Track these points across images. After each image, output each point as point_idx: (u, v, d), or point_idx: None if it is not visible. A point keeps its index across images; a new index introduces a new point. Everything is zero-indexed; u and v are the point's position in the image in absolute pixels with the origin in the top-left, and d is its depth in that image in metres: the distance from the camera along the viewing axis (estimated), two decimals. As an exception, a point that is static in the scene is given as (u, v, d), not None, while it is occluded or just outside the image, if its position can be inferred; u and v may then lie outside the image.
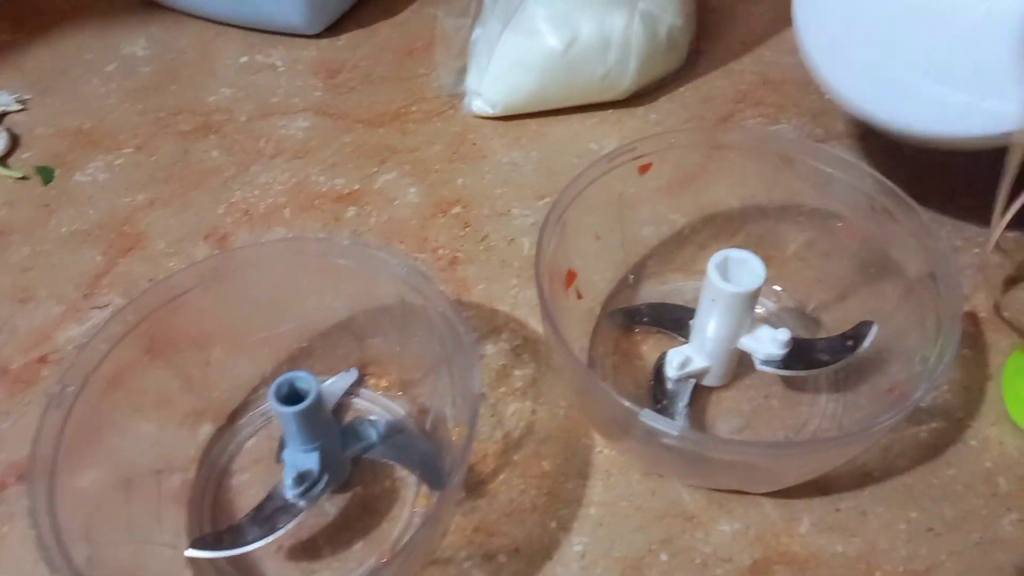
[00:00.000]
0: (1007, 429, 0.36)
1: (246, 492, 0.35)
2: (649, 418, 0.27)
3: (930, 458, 0.35)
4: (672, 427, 0.27)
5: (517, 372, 0.39)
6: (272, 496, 0.31)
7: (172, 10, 0.63)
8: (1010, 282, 0.41)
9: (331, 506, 0.34)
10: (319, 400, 0.30)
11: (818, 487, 0.34)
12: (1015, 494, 0.34)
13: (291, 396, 0.30)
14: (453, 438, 0.34)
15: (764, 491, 0.33)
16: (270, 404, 0.29)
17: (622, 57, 0.49)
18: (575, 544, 0.33)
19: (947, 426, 0.36)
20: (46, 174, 0.50)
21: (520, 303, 0.42)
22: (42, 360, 0.40)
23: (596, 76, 0.49)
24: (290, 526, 0.30)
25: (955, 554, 0.32)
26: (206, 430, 0.37)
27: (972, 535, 0.33)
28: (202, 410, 0.37)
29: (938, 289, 0.31)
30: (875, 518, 0.33)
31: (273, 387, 0.30)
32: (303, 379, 0.30)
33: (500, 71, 0.49)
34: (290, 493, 0.30)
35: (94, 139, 0.52)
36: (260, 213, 0.47)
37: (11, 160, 0.51)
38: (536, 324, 0.41)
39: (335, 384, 0.38)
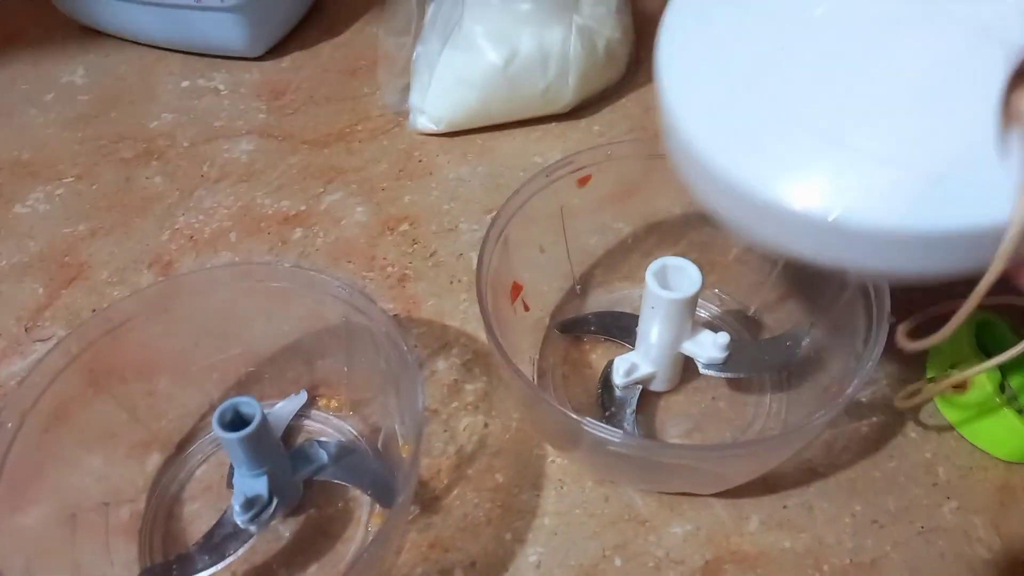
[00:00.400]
0: (944, 420, 0.37)
1: (197, 520, 0.34)
2: (592, 427, 0.27)
3: (872, 451, 0.36)
4: (615, 434, 0.27)
5: (468, 387, 0.39)
6: (221, 523, 0.31)
7: (111, 36, 0.62)
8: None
9: (284, 529, 0.34)
10: (264, 424, 0.30)
11: (766, 485, 0.35)
12: (954, 483, 0.35)
13: (236, 422, 0.30)
14: (404, 455, 0.34)
15: (713, 492, 0.34)
16: (215, 431, 0.29)
17: (561, 71, 0.49)
18: (530, 555, 0.33)
19: (887, 419, 0.37)
20: (-16, 207, 0.49)
21: (470, 318, 0.42)
22: (-17, 397, 0.39)
23: (537, 90, 0.49)
24: (240, 552, 0.30)
25: (899, 544, 0.33)
26: (154, 460, 0.37)
27: (915, 525, 0.34)
28: (149, 440, 0.37)
29: (870, 287, 0.32)
30: (821, 513, 0.34)
31: (216, 414, 0.29)
32: (247, 404, 0.30)
33: (442, 88, 0.50)
34: (240, 519, 0.30)
35: (33, 170, 0.52)
36: (205, 238, 0.46)
37: (-54, 194, 0.50)
38: (486, 338, 0.41)
39: (284, 407, 0.37)
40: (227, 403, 0.30)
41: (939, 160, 0.21)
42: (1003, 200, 0.21)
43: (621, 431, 0.27)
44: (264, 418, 0.30)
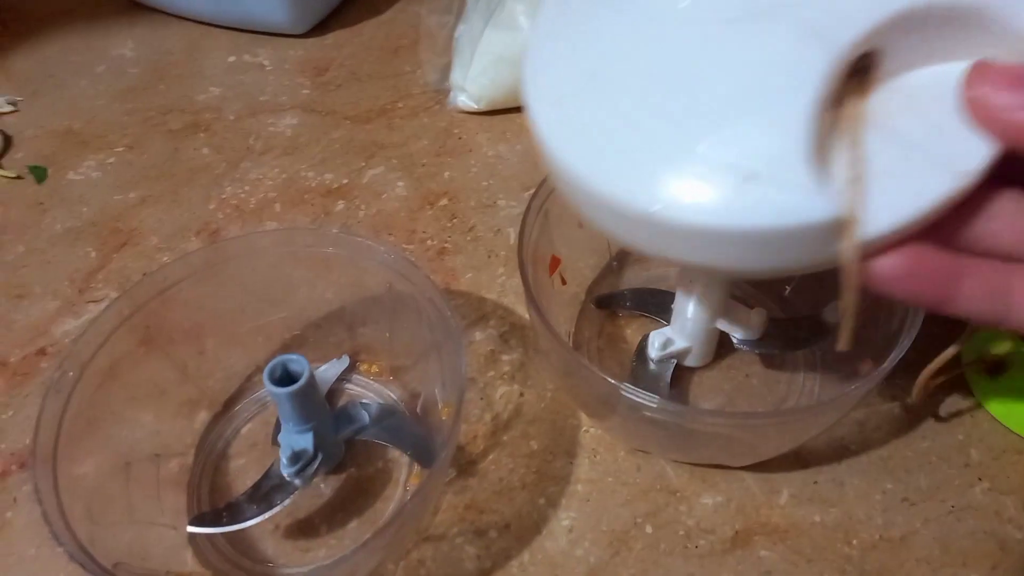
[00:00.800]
0: (977, 403, 0.37)
1: (243, 475, 0.36)
2: (629, 391, 0.28)
3: (905, 432, 0.36)
4: (651, 399, 0.28)
5: (505, 357, 0.40)
6: (269, 475, 0.32)
7: (159, 11, 0.63)
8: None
9: (326, 487, 0.35)
10: (311, 381, 0.31)
11: (798, 460, 0.35)
12: (986, 464, 0.35)
13: (284, 378, 0.31)
14: (443, 419, 0.35)
15: (745, 463, 0.35)
16: (265, 387, 0.30)
17: (603, 51, 0.50)
18: (563, 519, 0.34)
19: (921, 401, 0.37)
20: (39, 174, 0.51)
21: (507, 291, 0.43)
22: (40, 353, 0.41)
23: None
24: (286, 503, 0.31)
25: (929, 521, 0.33)
26: (202, 417, 0.38)
27: (946, 504, 0.34)
28: (198, 399, 0.38)
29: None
30: (852, 489, 0.34)
31: (267, 369, 0.31)
32: (296, 361, 0.31)
33: (483, 67, 0.50)
34: (286, 471, 0.31)
35: (85, 139, 0.53)
36: (251, 208, 0.48)
37: (4, 160, 0.52)
38: (523, 311, 0.42)
39: (328, 371, 0.38)
40: (277, 360, 0.31)
41: (756, 159, 0.22)
42: (816, 199, 0.21)
43: (657, 396, 0.28)
44: (312, 375, 0.31)
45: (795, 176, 0.21)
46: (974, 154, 0.22)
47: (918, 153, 0.22)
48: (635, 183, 0.23)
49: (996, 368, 0.36)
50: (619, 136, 0.23)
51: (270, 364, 0.31)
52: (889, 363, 0.29)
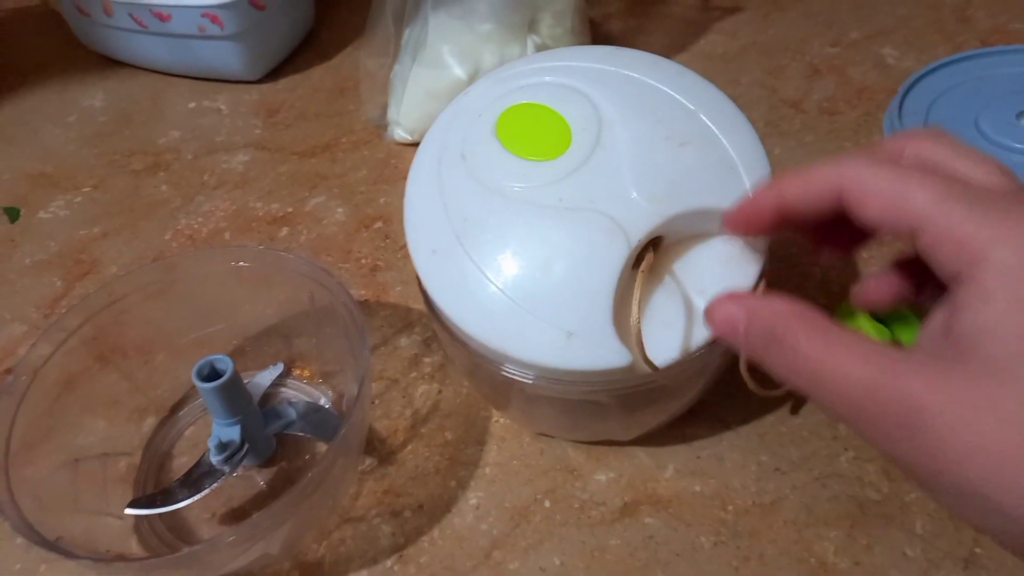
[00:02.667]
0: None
1: (185, 472, 0.39)
2: (508, 371, 0.32)
3: (780, 409, 0.40)
4: (527, 375, 0.32)
5: (427, 359, 0.44)
6: (200, 463, 0.36)
7: (128, 65, 0.69)
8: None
9: (260, 478, 0.39)
10: (235, 378, 0.35)
11: (683, 438, 0.39)
12: (852, 436, 0.39)
13: (211, 375, 0.35)
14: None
15: (633, 436, 0.38)
16: (194, 382, 0.34)
17: (522, 84, 0.55)
18: (471, 499, 0.38)
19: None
20: (12, 214, 0.56)
21: (432, 301, 0.47)
22: (7, 372, 0.45)
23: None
24: (214, 487, 0.35)
25: (797, 488, 0.37)
26: (150, 422, 0.42)
27: (813, 472, 0.38)
28: (146, 406, 0.42)
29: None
30: (730, 462, 0.38)
31: (196, 367, 0.35)
32: (220, 360, 0.35)
33: (414, 101, 0.55)
34: (214, 459, 0.35)
35: (55, 180, 0.58)
36: (203, 237, 0.52)
37: (-21, 203, 0.57)
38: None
39: (264, 376, 0.42)
40: (205, 359, 0.35)
41: (575, 322, 0.30)
42: (613, 349, 0.30)
43: (533, 374, 0.32)
44: (235, 373, 0.35)
45: (601, 334, 0.30)
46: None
47: (684, 305, 0.32)
48: (489, 331, 0.31)
49: None
50: (478, 293, 0.31)
51: (198, 363, 0.35)
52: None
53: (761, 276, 0.33)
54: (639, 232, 0.31)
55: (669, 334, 0.31)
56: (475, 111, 0.36)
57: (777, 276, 0.46)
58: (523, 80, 0.36)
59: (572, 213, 0.31)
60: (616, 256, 0.31)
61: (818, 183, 0.26)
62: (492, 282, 0.31)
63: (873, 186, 0.24)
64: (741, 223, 0.29)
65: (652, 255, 0.32)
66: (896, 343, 0.39)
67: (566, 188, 0.32)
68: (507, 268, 0.31)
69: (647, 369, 0.31)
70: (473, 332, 0.31)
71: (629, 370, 0.31)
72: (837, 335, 0.23)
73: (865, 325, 0.39)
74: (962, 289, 0.22)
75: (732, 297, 0.27)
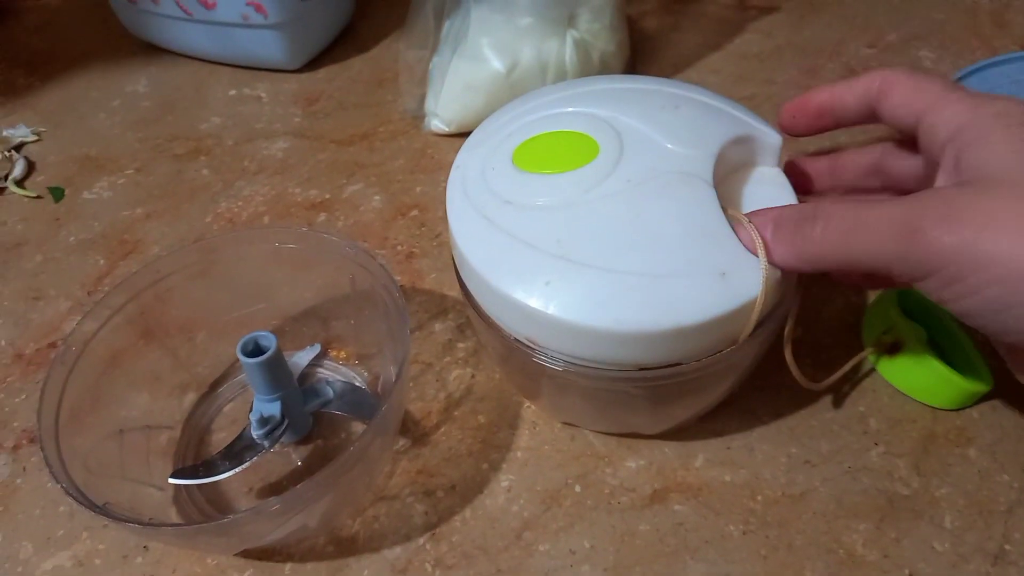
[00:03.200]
0: (878, 378, 0.41)
1: (223, 446, 0.40)
2: (538, 356, 0.33)
3: (811, 403, 0.40)
4: (556, 361, 0.32)
5: (460, 345, 0.45)
6: (241, 437, 0.37)
7: (171, 52, 0.70)
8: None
9: (296, 456, 0.40)
10: (278, 354, 0.36)
11: (713, 431, 0.39)
12: (883, 431, 0.39)
13: (255, 352, 0.36)
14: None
15: (659, 430, 0.39)
16: (239, 357, 0.35)
17: (559, 79, 0.55)
18: (503, 481, 0.39)
19: (827, 375, 0.41)
20: (57, 194, 0.57)
21: (466, 289, 0.47)
22: (52, 346, 0.47)
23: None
24: (255, 459, 0.36)
25: (827, 480, 0.37)
26: (191, 397, 0.43)
27: (843, 465, 0.38)
28: (188, 382, 0.43)
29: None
30: (760, 453, 0.39)
31: (240, 343, 0.36)
32: (265, 337, 0.36)
33: (452, 93, 0.56)
34: (255, 433, 0.36)
35: (99, 163, 0.60)
36: (243, 220, 0.53)
37: (27, 183, 0.58)
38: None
39: (302, 356, 0.43)
40: (249, 336, 0.36)
41: (723, 262, 0.31)
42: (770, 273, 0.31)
43: (563, 360, 0.33)
44: (278, 349, 0.36)
45: (748, 262, 0.31)
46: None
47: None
48: (652, 318, 0.30)
49: (893, 348, 0.40)
50: (618, 295, 0.31)
51: (243, 339, 0.36)
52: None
53: (787, 314, 0.34)
54: (707, 171, 0.33)
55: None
56: (481, 170, 0.36)
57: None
58: (507, 129, 0.38)
59: (646, 184, 0.33)
60: (708, 196, 0.32)
61: (861, 81, 0.33)
62: (629, 272, 0.30)
63: (902, 79, 0.32)
64: (792, 113, 0.36)
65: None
66: (932, 343, 0.39)
67: (625, 171, 0.33)
68: (632, 254, 0.31)
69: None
70: (632, 327, 0.30)
71: (781, 286, 0.32)
72: (861, 201, 0.32)
73: (900, 324, 0.39)
74: (963, 135, 0.28)
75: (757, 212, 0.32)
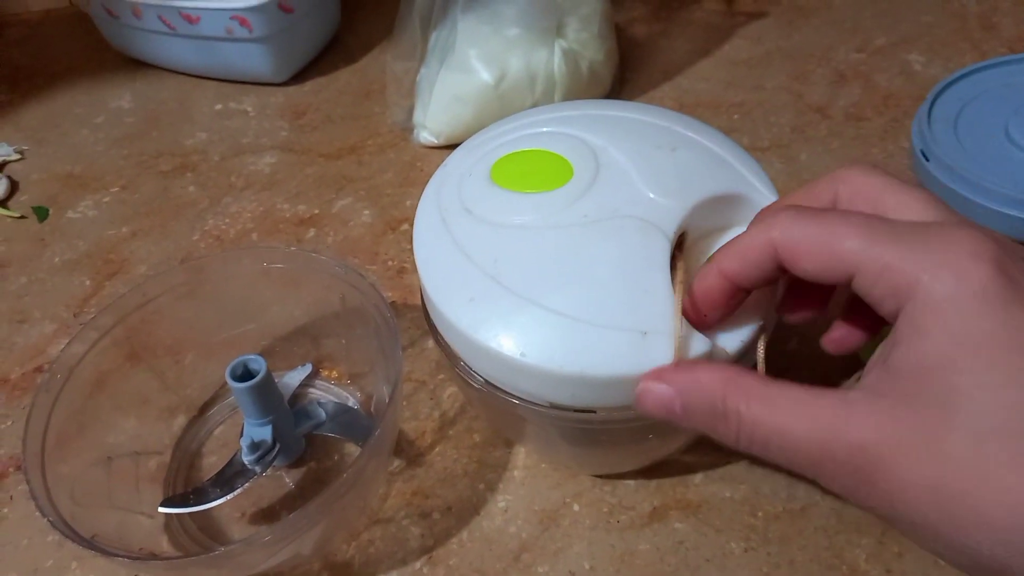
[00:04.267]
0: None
1: (214, 471, 0.39)
2: (504, 395, 0.32)
3: (809, 416, 0.40)
4: (541, 404, 0.32)
5: (454, 362, 0.44)
6: (232, 463, 0.36)
7: (156, 67, 0.69)
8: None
9: (289, 479, 0.39)
10: (268, 377, 0.35)
11: (713, 446, 0.39)
12: (883, 443, 0.39)
13: (245, 376, 0.35)
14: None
15: (644, 464, 0.38)
16: (228, 382, 0.35)
17: (548, 89, 0.55)
18: (500, 501, 0.38)
19: (818, 382, 0.41)
20: (41, 213, 0.56)
21: (459, 304, 0.47)
22: (38, 370, 0.46)
23: (526, 107, 0.55)
24: (246, 486, 0.35)
25: (828, 495, 0.37)
26: (180, 421, 0.42)
27: (843, 478, 0.37)
28: (176, 405, 0.42)
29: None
30: (760, 469, 0.38)
31: (229, 368, 0.35)
32: (254, 361, 0.35)
33: (440, 105, 0.55)
34: (246, 459, 0.35)
35: (84, 181, 0.59)
36: (230, 238, 0.53)
37: (10, 203, 0.57)
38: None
39: (293, 376, 0.43)
40: (238, 359, 0.35)
41: (647, 320, 0.29)
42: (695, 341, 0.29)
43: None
44: (268, 373, 0.35)
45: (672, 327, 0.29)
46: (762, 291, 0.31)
47: None
48: (559, 358, 0.29)
49: None
50: (535, 323, 0.30)
51: (232, 363, 0.35)
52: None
53: (761, 330, 0.32)
54: (671, 225, 0.31)
55: (725, 324, 0.31)
56: (462, 173, 0.36)
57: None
58: (501, 139, 0.37)
59: (601, 224, 0.32)
60: (659, 250, 0.31)
61: (753, 253, 0.26)
62: (548, 308, 0.30)
63: (803, 241, 0.24)
64: (700, 311, 0.29)
65: (681, 258, 0.32)
66: None
67: (586, 205, 0.32)
68: (559, 291, 0.30)
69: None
70: (536, 362, 0.29)
71: (709, 359, 0.29)
72: (778, 394, 0.23)
73: None
74: (898, 324, 0.22)
75: (658, 374, 0.26)
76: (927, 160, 0.47)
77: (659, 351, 0.29)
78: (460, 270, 0.32)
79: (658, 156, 0.34)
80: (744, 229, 0.33)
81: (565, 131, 0.36)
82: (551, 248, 0.31)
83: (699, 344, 0.29)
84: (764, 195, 0.34)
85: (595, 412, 0.30)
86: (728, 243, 0.28)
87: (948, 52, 0.61)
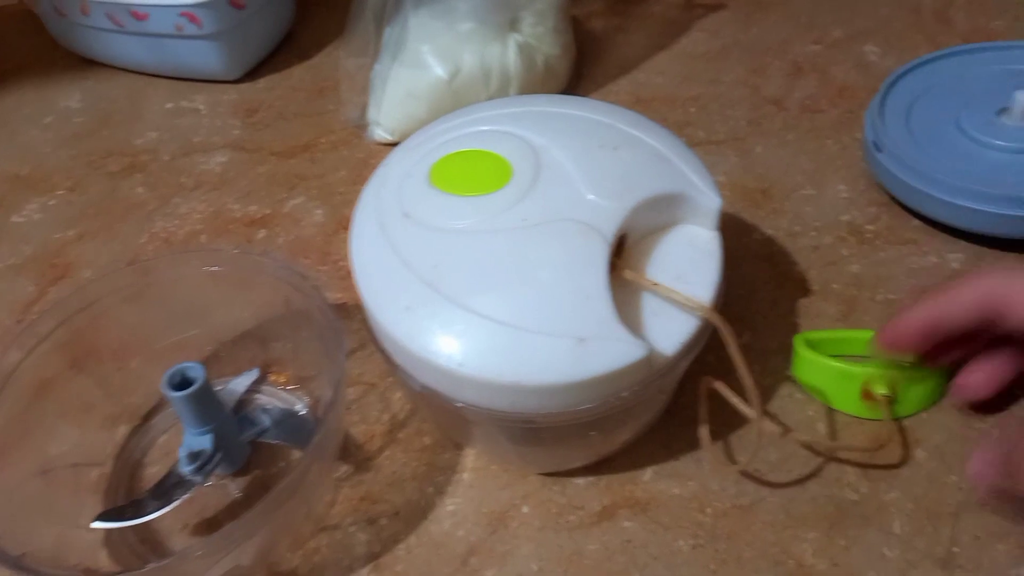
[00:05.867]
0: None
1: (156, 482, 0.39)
2: (443, 398, 0.31)
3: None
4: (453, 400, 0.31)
5: (405, 363, 0.43)
6: (170, 474, 0.36)
7: (106, 65, 0.68)
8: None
9: (234, 487, 0.39)
10: (206, 386, 0.34)
11: (662, 441, 0.39)
12: (832, 437, 0.38)
13: (183, 384, 0.34)
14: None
15: (591, 460, 0.37)
16: (163, 392, 0.34)
17: (503, 85, 0.54)
18: (448, 504, 0.37)
19: (774, 382, 0.41)
20: (-16, 217, 0.55)
21: (411, 304, 0.46)
22: (-24, 379, 0.44)
23: (480, 101, 0.54)
24: (185, 497, 0.34)
25: (776, 490, 0.37)
26: (122, 430, 0.41)
27: (792, 473, 0.37)
28: (119, 413, 0.42)
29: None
30: (708, 465, 0.38)
31: (166, 376, 0.34)
32: (191, 368, 0.34)
33: (394, 101, 0.55)
34: (184, 470, 0.35)
35: (30, 183, 0.57)
36: (179, 239, 0.52)
37: (-48, 207, 0.56)
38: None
39: (239, 382, 0.42)
40: (176, 367, 0.35)
41: (583, 327, 0.29)
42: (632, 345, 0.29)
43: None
44: (206, 380, 0.34)
45: (612, 331, 0.29)
46: (705, 287, 0.32)
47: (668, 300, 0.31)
48: (494, 366, 0.29)
49: (889, 400, 0.38)
50: (472, 332, 0.30)
51: (168, 372, 0.35)
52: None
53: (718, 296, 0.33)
54: (610, 228, 0.31)
55: (664, 323, 0.31)
56: (402, 174, 0.36)
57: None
58: (442, 137, 0.37)
59: (540, 227, 0.31)
60: (598, 254, 0.30)
61: (966, 298, 0.28)
62: (485, 316, 0.29)
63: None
64: (894, 342, 0.31)
65: (619, 259, 0.32)
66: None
67: (525, 208, 0.32)
68: (496, 298, 0.30)
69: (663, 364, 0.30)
70: (472, 372, 0.29)
71: (647, 363, 0.29)
72: None
73: (882, 374, 0.37)
74: None
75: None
76: (879, 151, 0.47)
77: (597, 357, 0.28)
78: (397, 277, 0.31)
79: (600, 156, 0.34)
80: (687, 227, 0.33)
81: (507, 130, 0.35)
82: (489, 253, 0.31)
83: (636, 349, 0.29)
84: (706, 194, 0.33)
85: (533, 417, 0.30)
86: (935, 288, 0.30)
87: (903, 44, 0.61)
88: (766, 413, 0.39)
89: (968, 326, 0.29)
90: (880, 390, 0.37)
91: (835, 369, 0.38)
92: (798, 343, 0.39)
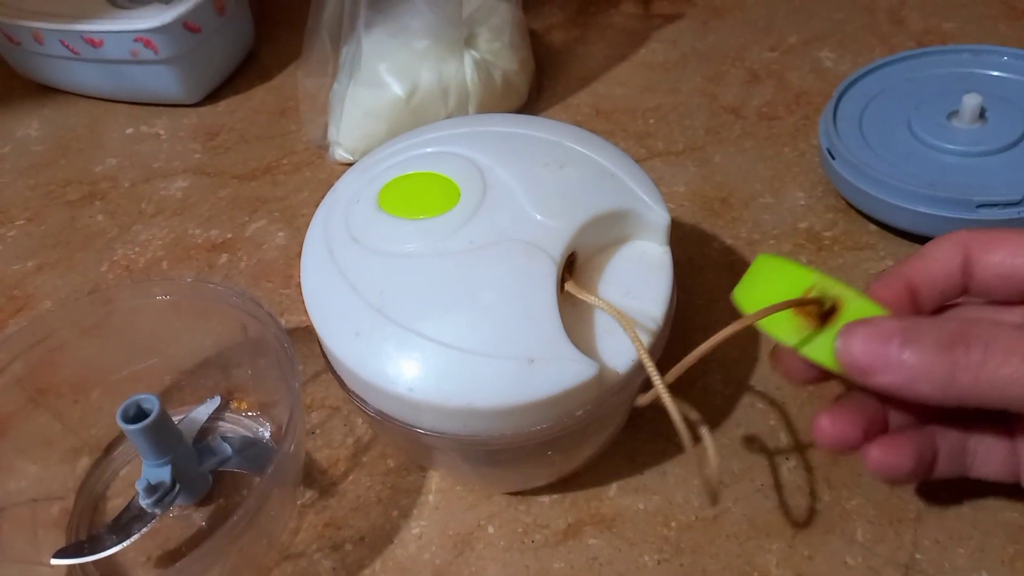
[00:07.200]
0: (788, 392, 0.41)
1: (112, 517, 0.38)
2: (399, 424, 0.31)
3: (722, 420, 0.40)
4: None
5: (368, 385, 0.43)
6: (129, 507, 0.35)
7: (65, 92, 0.67)
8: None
9: (197, 517, 0.38)
10: (162, 417, 0.34)
11: (626, 455, 0.39)
12: (794, 445, 0.39)
13: (138, 416, 0.34)
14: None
15: (551, 480, 0.37)
16: (119, 424, 0.34)
17: (461, 101, 0.54)
18: (413, 528, 0.37)
19: (735, 391, 0.41)
20: (-59, 251, 0.54)
21: (374, 325, 0.46)
22: (-67, 418, 0.44)
23: (439, 119, 0.54)
24: (144, 531, 0.34)
25: (740, 500, 0.37)
26: (83, 463, 0.41)
27: (755, 482, 0.37)
28: (80, 446, 0.41)
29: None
30: (673, 478, 0.38)
31: (120, 409, 0.34)
32: (146, 400, 0.34)
33: (353, 121, 0.55)
34: (144, 502, 0.34)
35: (-13, 215, 0.57)
36: (140, 267, 0.51)
37: (-93, 241, 0.55)
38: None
39: (200, 411, 0.41)
40: (131, 400, 0.34)
41: (532, 348, 0.29)
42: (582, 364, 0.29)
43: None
44: (162, 411, 0.34)
45: (562, 351, 0.29)
46: (656, 302, 0.32)
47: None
48: (445, 391, 0.29)
49: (826, 315, 0.30)
50: (421, 356, 0.29)
51: (124, 404, 0.34)
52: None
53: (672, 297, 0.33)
54: (557, 247, 0.31)
55: (617, 340, 0.31)
56: (350, 198, 0.36)
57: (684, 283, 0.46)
58: (391, 160, 0.37)
59: (487, 249, 0.31)
60: (546, 274, 0.30)
61: (940, 253, 0.29)
62: (434, 340, 0.29)
63: (999, 238, 0.28)
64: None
65: (571, 278, 0.32)
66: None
67: (472, 231, 0.32)
68: (445, 322, 0.30)
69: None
70: (424, 397, 0.29)
71: (598, 381, 0.29)
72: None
73: (827, 282, 0.30)
74: None
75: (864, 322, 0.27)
76: (833, 158, 0.48)
77: (548, 378, 0.29)
78: (346, 303, 0.31)
79: (545, 175, 0.34)
80: (638, 243, 0.33)
81: (454, 151, 0.36)
82: (437, 276, 0.31)
83: (586, 368, 0.29)
84: (654, 209, 0.34)
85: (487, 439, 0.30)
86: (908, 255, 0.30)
87: (858, 47, 0.62)
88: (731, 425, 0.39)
89: (945, 279, 0.29)
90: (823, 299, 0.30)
91: (788, 268, 0.31)
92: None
